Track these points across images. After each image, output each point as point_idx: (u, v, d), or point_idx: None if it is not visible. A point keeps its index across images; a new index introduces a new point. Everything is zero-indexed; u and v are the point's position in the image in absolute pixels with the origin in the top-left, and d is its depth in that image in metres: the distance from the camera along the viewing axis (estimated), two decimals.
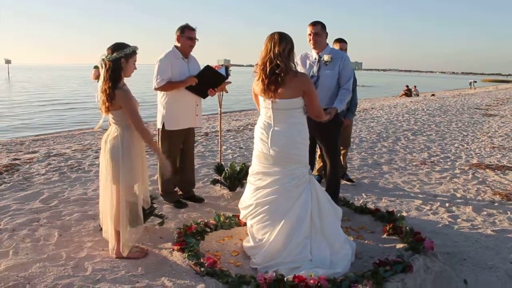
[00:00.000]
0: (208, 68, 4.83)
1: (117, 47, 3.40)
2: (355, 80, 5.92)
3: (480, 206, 5.25)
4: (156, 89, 4.72)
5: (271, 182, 3.59)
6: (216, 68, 4.95)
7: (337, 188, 4.85)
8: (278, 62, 3.39)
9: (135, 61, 3.52)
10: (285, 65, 3.41)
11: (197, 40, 4.82)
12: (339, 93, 4.56)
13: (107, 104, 3.39)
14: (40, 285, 3.11)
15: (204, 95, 4.91)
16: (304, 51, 4.80)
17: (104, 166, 3.54)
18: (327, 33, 4.68)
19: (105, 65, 3.38)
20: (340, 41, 5.90)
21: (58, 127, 15.48)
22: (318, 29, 4.59)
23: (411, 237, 3.92)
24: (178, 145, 4.92)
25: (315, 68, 4.64)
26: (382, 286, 3.14)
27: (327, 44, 4.72)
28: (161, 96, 4.80)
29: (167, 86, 4.66)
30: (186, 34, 4.75)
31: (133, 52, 3.45)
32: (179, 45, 4.79)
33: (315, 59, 4.66)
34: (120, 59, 3.39)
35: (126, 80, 3.55)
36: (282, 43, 3.41)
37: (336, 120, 4.43)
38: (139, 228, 3.69)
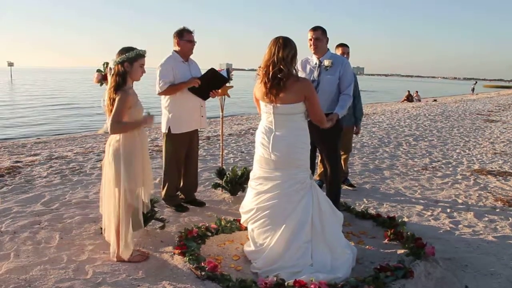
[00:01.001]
0: (212, 70, 4.86)
1: (121, 52, 3.43)
2: (357, 87, 5.94)
3: (481, 212, 5.24)
4: (160, 93, 4.73)
5: (272, 186, 3.59)
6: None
7: (338, 193, 4.85)
8: (281, 67, 3.39)
9: (142, 64, 3.50)
10: (288, 70, 3.42)
11: (196, 42, 4.86)
12: (339, 99, 4.55)
13: (110, 107, 3.41)
14: (41, 287, 3.12)
15: (206, 97, 4.92)
16: (305, 56, 4.80)
17: (108, 169, 3.56)
18: (327, 38, 4.68)
19: (112, 70, 3.42)
20: (342, 45, 5.92)
21: (60, 130, 15.50)
22: (319, 34, 4.59)
23: (412, 242, 3.92)
24: (183, 148, 4.93)
25: (315, 73, 4.64)
26: None
27: (328, 49, 4.72)
28: (165, 101, 4.82)
29: (170, 89, 4.68)
30: (186, 38, 4.77)
31: (137, 55, 3.45)
32: (178, 49, 4.81)
33: (316, 64, 4.67)
34: (123, 63, 3.41)
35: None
36: (286, 48, 3.42)
37: (336, 125, 4.42)
38: (139, 232, 3.69)
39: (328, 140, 4.64)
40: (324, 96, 4.48)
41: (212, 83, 4.87)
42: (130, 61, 3.42)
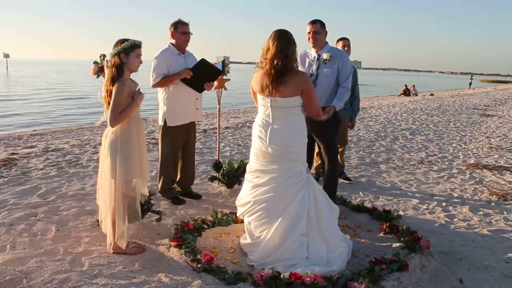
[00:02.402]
0: (203, 61, 4.81)
1: (116, 43, 3.43)
2: (356, 81, 5.95)
3: (476, 206, 5.27)
4: (153, 86, 4.72)
5: (269, 179, 3.60)
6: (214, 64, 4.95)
7: (335, 186, 4.85)
8: (287, 60, 3.39)
9: (138, 54, 3.49)
10: (293, 64, 3.43)
11: (191, 34, 4.83)
12: (338, 92, 4.56)
13: (108, 99, 3.41)
14: (37, 279, 3.12)
15: (201, 89, 4.89)
16: (303, 50, 4.79)
17: (103, 161, 3.56)
18: (326, 32, 4.67)
19: (109, 63, 3.41)
20: (342, 39, 5.93)
21: (57, 122, 15.44)
22: (318, 28, 4.58)
23: (408, 236, 3.94)
24: (180, 141, 4.93)
25: (314, 67, 4.64)
26: (378, 284, 3.15)
27: (327, 42, 4.72)
28: (161, 93, 4.81)
29: (163, 81, 4.67)
30: (180, 29, 4.75)
31: (132, 46, 3.44)
32: (173, 41, 4.79)
33: (314, 57, 4.66)
34: (119, 54, 3.40)
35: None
36: (292, 43, 3.44)
37: (334, 118, 4.43)
38: (135, 224, 3.70)
39: (326, 133, 4.64)
40: (323, 89, 4.49)
41: (206, 74, 4.82)
42: (126, 52, 3.42)
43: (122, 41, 3.44)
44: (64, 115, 17.83)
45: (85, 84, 36.18)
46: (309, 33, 4.60)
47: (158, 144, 5.20)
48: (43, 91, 29.26)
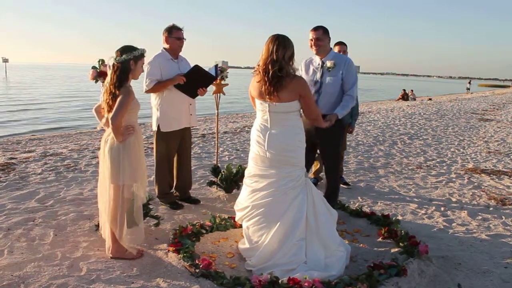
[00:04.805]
0: (196, 67, 4.80)
1: (126, 50, 3.44)
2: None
3: (475, 211, 5.27)
4: (146, 91, 4.70)
5: (267, 184, 3.60)
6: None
7: (337, 192, 4.79)
8: (281, 65, 3.39)
9: (143, 63, 3.57)
10: (287, 69, 3.42)
11: (185, 39, 4.82)
12: (342, 99, 4.39)
13: (110, 103, 3.41)
14: (34, 284, 3.12)
15: (194, 95, 4.87)
16: (308, 56, 4.61)
17: (103, 165, 3.56)
18: (329, 38, 4.48)
19: (113, 67, 3.41)
20: (339, 44, 5.83)
21: (55, 126, 15.41)
22: (320, 34, 4.40)
23: (406, 241, 3.94)
24: (174, 146, 4.93)
25: (318, 74, 4.46)
26: None
27: (331, 48, 4.55)
28: (154, 99, 4.81)
29: (157, 87, 4.66)
30: (174, 35, 4.74)
31: (141, 54, 3.50)
32: (167, 46, 4.78)
33: (319, 64, 4.47)
34: (129, 61, 3.42)
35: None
36: (285, 47, 3.41)
37: (339, 125, 4.34)
38: (135, 229, 3.69)
39: (330, 140, 4.44)
40: (326, 97, 4.38)
41: (199, 80, 4.80)
42: (136, 60, 3.46)
43: (132, 48, 3.46)
44: (58, 118, 17.52)
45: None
46: (311, 40, 4.39)
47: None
48: (40, 96, 29.10)
